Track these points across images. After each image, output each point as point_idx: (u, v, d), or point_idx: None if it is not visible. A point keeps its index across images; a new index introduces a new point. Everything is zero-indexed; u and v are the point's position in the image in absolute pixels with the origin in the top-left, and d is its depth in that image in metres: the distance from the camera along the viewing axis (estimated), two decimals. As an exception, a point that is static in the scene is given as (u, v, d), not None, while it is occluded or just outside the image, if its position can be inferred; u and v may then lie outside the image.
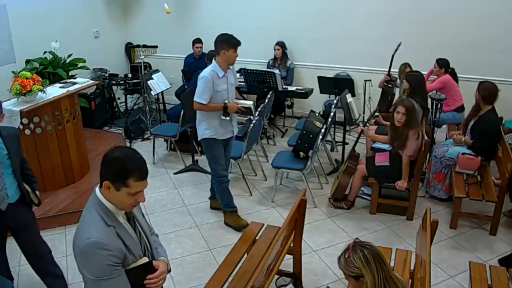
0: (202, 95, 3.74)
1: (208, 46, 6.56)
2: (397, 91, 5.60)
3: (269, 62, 6.66)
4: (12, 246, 3.95)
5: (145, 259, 1.86)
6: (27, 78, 4.16)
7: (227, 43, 3.68)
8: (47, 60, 5.90)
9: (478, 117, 4.29)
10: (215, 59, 3.78)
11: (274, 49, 6.46)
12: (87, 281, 1.75)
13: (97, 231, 1.70)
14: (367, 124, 5.05)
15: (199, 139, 4.01)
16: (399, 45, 5.30)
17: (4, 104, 4.20)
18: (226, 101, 3.81)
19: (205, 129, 3.91)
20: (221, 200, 4.17)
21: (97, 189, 1.80)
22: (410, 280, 2.88)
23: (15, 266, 3.67)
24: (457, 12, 5.70)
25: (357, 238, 2.00)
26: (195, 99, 3.78)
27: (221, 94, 3.81)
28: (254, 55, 6.88)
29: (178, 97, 6.31)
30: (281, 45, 6.43)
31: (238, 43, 3.71)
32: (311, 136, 4.44)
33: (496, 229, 4.01)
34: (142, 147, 6.03)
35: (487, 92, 4.16)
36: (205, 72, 3.74)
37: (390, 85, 5.46)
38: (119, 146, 1.83)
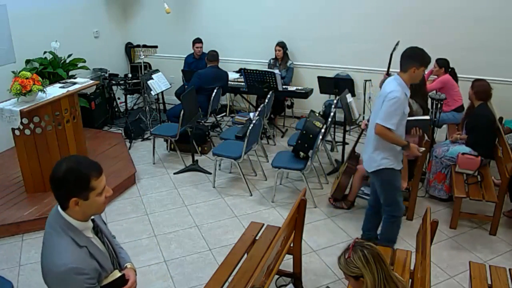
0: (391, 118, 3.09)
1: (208, 46, 6.59)
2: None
3: (270, 61, 6.66)
4: (12, 246, 3.97)
5: (116, 273, 1.83)
6: (27, 78, 4.16)
7: (420, 60, 3.10)
8: (47, 60, 5.90)
9: (470, 113, 4.39)
10: (399, 75, 3.18)
11: (275, 50, 6.46)
12: None
13: (73, 256, 1.64)
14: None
15: (371, 170, 3.41)
16: (397, 44, 5.29)
17: (4, 104, 4.23)
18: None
19: (383, 158, 3.31)
20: (388, 235, 3.63)
21: (61, 211, 1.70)
22: (410, 280, 2.88)
23: (15, 266, 3.67)
24: (457, 12, 5.70)
25: (357, 238, 2.00)
26: (381, 122, 3.11)
27: (405, 118, 3.26)
28: (254, 55, 6.89)
29: (178, 97, 6.31)
30: (281, 45, 6.43)
31: (430, 60, 3.17)
32: (311, 136, 4.44)
33: (496, 229, 4.01)
34: (142, 147, 6.03)
35: (480, 88, 4.25)
36: (396, 92, 3.09)
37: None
38: (58, 162, 1.69)
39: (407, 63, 3.12)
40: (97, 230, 1.84)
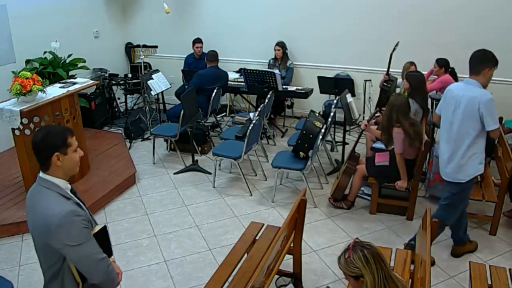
0: (495, 118, 3.13)
1: (208, 46, 6.59)
2: (397, 91, 5.59)
3: (269, 61, 6.66)
4: (12, 246, 3.97)
5: (101, 226, 2.05)
6: (27, 78, 4.16)
7: (493, 61, 3.19)
8: (47, 60, 5.90)
9: None
10: (472, 79, 3.20)
11: (275, 50, 6.46)
12: (68, 253, 1.85)
13: (65, 204, 1.86)
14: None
15: (468, 179, 3.32)
16: (397, 44, 5.30)
17: (4, 104, 4.22)
18: None
19: (480, 162, 3.28)
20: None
21: (43, 176, 1.92)
22: (410, 280, 2.88)
23: (15, 266, 3.67)
24: (457, 12, 5.70)
25: (357, 238, 2.00)
26: (495, 125, 3.13)
27: None
28: (254, 55, 6.89)
29: (178, 97, 6.31)
30: (281, 45, 6.43)
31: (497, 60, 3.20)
32: (311, 136, 4.44)
33: (496, 229, 4.01)
34: (142, 147, 6.03)
35: None
36: (486, 93, 3.14)
37: (389, 85, 5.46)
38: (35, 133, 2.08)
39: (480, 65, 3.17)
40: (74, 192, 2.03)
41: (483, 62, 3.16)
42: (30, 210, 1.92)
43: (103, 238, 2.04)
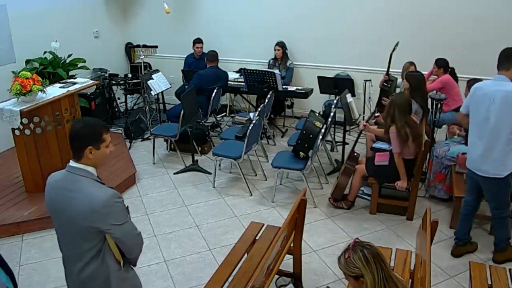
0: None
1: (208, 46, 6.59)
2: (398, 91, 5.60)
3: (269, 61, 6.66)
4: (12, 246, 3.97)
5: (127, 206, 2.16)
6: (27, 78, 4.16)
7: None
8: (47, 60, 5.90)
9: None
10: (502, 75, 3.21)
11: (275, 50, 6.46)
12: (115, 231, 1.99)
13: (106, 189, 2.00)
14: (368, 122, 5.05)
15: (507, 173, 3.30)
16: (396, 45, 5.31)
17: (4, 104, 4.23)
18: None
19: None
20: (505, 234, 3.60)
21: (75, 164, 2.00)
22: (410, 280, 2.88)
23: (15, 266, 3.67)
24: (456, 12, 5.70)
25: (357, 238, 2.00)
26: None
27: None
28: (254, 55, 6.90)
29: (178, 97, 6.31)
30: (281, 45, 6.43)
31: None
32: (311, 136, 4.44)
33: (496, 229, 4.00)
34: (142, 147, 6.03)
35: None
36: None
37: (389, 85, 5.46)
38: (74, 122, 2.21)
39: (510, 62, 3.19)
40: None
41: (509, 58, 3.21)
42: (64, 198, 1.98)
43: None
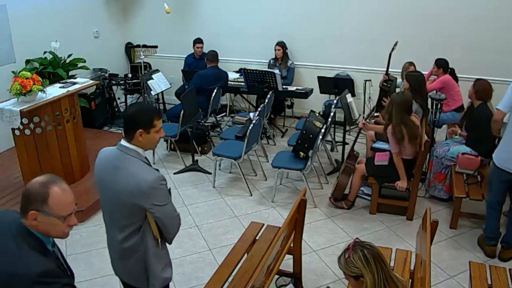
0: None
1: (208, 46, 6.59)
2: (397, 91, 5.59)
3: (269, 61, 6.65)
4: (12, 246, 3.96)
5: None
6: (27, 78, 4.16)
7: None
8: (47, 60, 5.90)
9: (470, 112, 4.40)
10: None
11: (275, 50, 6.46)
12: (156, 211, 2.10)
13: (153, 171, 2.12)
14: (367, 121, 5.05)
15: None
16: (395, 44, 5.31)
17: (4, 104, 4.23)
18: None
19: None
20: None
21: (126, 144, 2.13)
22: (410, 280, 2.88)
23: (15, 266, 3.66)
24: (456, 12, 5.70)
25: (357, 238, 2.00)
26: None
27: None
28: (254, 55, 6.89)
29: (178, 97, 6.31)
30: (281, 45, 6.43)
31: None
32: (311, 136, 4.44)
33: (496, 229, 4.00)
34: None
35: (480, 87, 4.24)
36: None
37: (388, 85, 5.46)
38: (130, 105, 2.19)
39: None
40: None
41: None
42: (112, 172, 2.12)
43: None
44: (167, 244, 2.36)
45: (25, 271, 1.57)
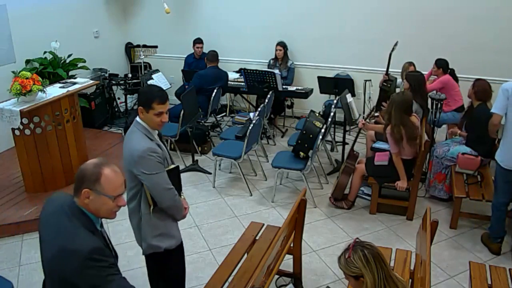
0: None
1: (208, 46, 6.59)
2: (397, 91, 5.59)
3: (269, 62, 6.66)
4: (12, 246, 3.97)
5: (174, 165, 2.53)
6: (27, 78, 4.16)
7: None
8: (47, 60, 5.90)
9: (470, 112, 4.40)
10: None
11: (276, 50, 6.46)
12: (144, 179, 2.34)
13: (146, 142, 2.35)
14: (367, 120, 5.05)
15: None
16: (396, 44, 5.31)
17: (4, 104, 4.23)
18: None
19: None
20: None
21: (138, 119, 2.41)
22: (410, 280, 2.88)
23: (15, 266, 3.67)
24: (456, 13, 5.70)
25: (357, 238, 2.00)
26: None
27: None
28: (254, 55, 6.90)
29: (178, 97, 6.30)
30: (282, 45, 6.43)
31: None
32: (311, 136, 4.44)
33: (496, 229, 4.00)
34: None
35: (480, 88, 4.24)
36: None
37: (388, 85, 5.47)
38: (149, 85, 2.56)
39: None
40: (160, 136, 2.54)
41: None
42: (124, 143, 2.45)
43: (175, 175, 2.54)
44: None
45: (79, 247, 1.68)
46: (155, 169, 2.33)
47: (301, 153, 4.50)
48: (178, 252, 2.66)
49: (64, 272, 1.70)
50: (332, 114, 4.82)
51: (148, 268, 2.69)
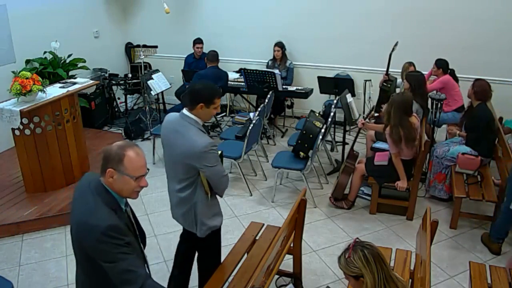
0: None
1: (208, 46, 6.59)
2: (397, 91, 5.60)
3: (268, 63, 6.65)
4: (12, 246, 3.97)
5: (220, 151, 2.75)
6: (27, 78, 4.16)
7: None
8: (47, 60, 5.90)
9: (470, 112, 4.40)
10: None
11: (274, 50, 6.46)
12: (206, 170, 2.53)
13: (206, 137, 2.55)
14: (367, 120, 5.05)
15: None
16: (396, 44, 5.31)
17: (4, 104, 4.23)
18: None
19: None
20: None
21: (187, 113, 2.57)
22: (410, 280, 2.88)
23: (15, 266, 3.67)
24: (456, 13, 5.70)
25: (357, 238, 2.00)
26: None
27: None
28: (254, 55, 6.89)
29: (178, 97, 6.31)
30: (280, 46, 6.43)
31: None
32: (311, 136, 4.44)
33: (496, 229, 4.00)
34: (142, 147, 5.94)
35: (480, 88, 4.24)
36: None
37: (388, 85, 5.47)
38: (198, 82, 2.72)
39: None
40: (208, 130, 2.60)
41: None
42: (174, 135, 2.58)
43: (221, 159, 2.76)
44: (217, 197, 2.77)
45: (95, 222, 1.77)
46: (216, 161, 2.56)
47: (301, 153, 4.50)
48: (220, 229, 2.91)
49: (83, 245, 1.82)
50: (332, 114, 4.82)
51: (200, 245, 2.89)
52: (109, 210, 1.84)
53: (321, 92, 5.97)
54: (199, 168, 2.53)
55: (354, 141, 4.77)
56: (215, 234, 2.84)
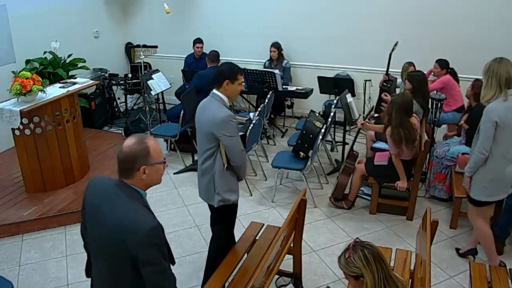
0: None
1: (208, 46, 6.59)
2: (398, 91, 5.59)
3: (265, 63, 6.64)
4: (12, 246, 3.96)
5: (242, 133, 3.12)
6: (27, 78, 4.16)
7: None
8: (47, 60, 5.90)
9: (469, 113, 4.41)
10: None
11: (270, 51, 6.45)
12: (224, 139, 2.82)
13: (227, 110, 2.86)
14: (367, 120, 5.05)
15: None
16: (396, 44, 5.31)
17: (4, 104, 4.23)
18: None
19: None
20: None
21: (215, 91, 2.91)
22: (410, 280, 2.88)
23: (15, 266, 3.67)
24: (456, 12, 5.70)
25: (357, 238, 2.00)
26: None
27: None
28: (253, 55, 6.89)
29: (178, 97, 6.30)
30: (276, 46, 6.42)
31: None
32: (311, 136, 4.44)
33: (496, 229, 4.00)
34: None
35: (479, 89, 4.20)
36: None
37: (388, 85, 5.46)
38: (226, 63, 3.03)
39: None
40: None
41: None
42: (202, 112, 2.93)
43: (242, 141, 2.97)
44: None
45: (140, 225, 1.72)
46: (234, 132, 2.83)
47: (301, 153, 4.50)
48: (235, 207, 3.12)
49: (128, 248, 1.72)
50: (332, 114, 4.82)
51: (214, 217, 3.20)
52: (147, 210, 1.83)
53: (321, 92, 5.97)
54: (218, 136, 2.80)
55: (354, 141, 4.77)
56: (229, 210, 3.06)
